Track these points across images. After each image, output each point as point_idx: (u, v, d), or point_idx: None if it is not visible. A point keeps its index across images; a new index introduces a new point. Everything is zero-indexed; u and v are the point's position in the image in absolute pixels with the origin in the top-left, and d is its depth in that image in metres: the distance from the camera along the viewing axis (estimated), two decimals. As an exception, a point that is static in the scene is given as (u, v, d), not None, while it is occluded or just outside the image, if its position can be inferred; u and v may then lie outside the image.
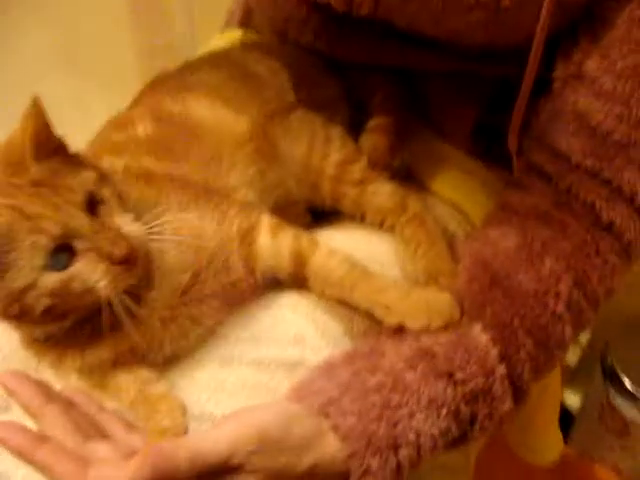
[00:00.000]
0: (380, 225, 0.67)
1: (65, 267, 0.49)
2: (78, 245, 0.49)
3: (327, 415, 0.51)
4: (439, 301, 0.58)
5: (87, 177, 0.51)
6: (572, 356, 1.36)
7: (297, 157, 0.65)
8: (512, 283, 0.59)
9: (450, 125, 0.73)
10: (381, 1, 0.59)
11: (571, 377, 1.40)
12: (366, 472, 0.50)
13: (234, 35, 0.89)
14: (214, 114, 0.64)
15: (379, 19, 0.61)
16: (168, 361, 0.58)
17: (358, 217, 0.67)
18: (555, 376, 0.92)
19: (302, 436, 0.50)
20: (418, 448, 0.52)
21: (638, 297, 1.28)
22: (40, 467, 0.47)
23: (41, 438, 0.48)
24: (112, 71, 1.38)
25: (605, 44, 0.57)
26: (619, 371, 1.22)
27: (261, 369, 0.57)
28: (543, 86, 0.62)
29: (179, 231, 0.54)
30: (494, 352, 0.56)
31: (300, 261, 0.58)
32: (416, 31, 0.62)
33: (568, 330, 0.59)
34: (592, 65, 0.58)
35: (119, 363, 0.56)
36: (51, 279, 0.48)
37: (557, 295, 0.58)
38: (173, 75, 0.72)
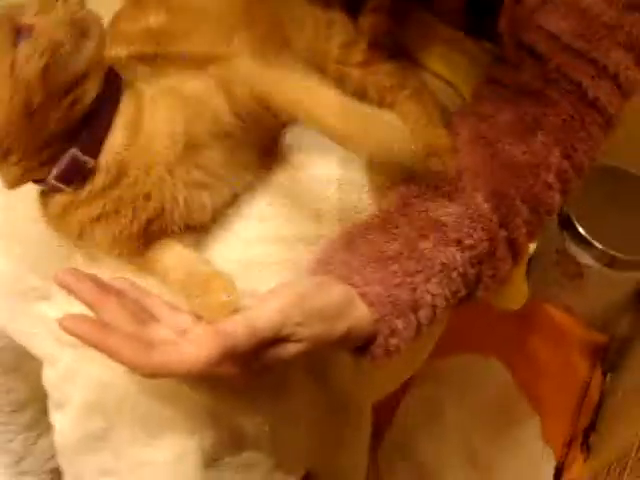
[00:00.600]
0: (380, 103, 0.69)
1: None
2: None
3: (354, 284, 0.56)
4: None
5: None
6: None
7: (303, 41, 0.66)
8: (508, 156, 0.63)
9: (442, 3, 0.74)
10: None
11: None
12: (392, 332, 0.57)
13: None
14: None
15: None
16: (195, 239, 0.61)
17: (359, 96, 0.69)
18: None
19: (336, 305, 0.55)
20: (434, 308, 0.58)
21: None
22: (109, 353, 0.51)
23: (106, 327, 0.52)
24: None
25: None
26: (574, 219, 1.31)
27: (284, 245, 0.62)
28: None
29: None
30: (495, 219, 0.61)
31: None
32: None
33: (557, 197, 0.65)
34: None
35: (152, 239, 0.58)
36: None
37: (548, 166, 0.64)
38: None
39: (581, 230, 1.30)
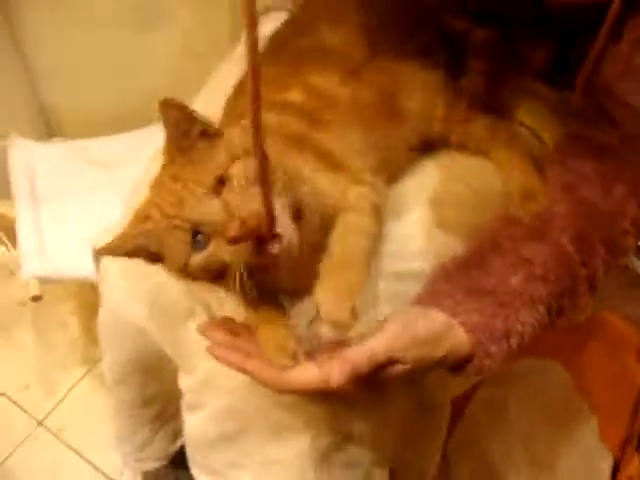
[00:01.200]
0: (478, 152, 0.79)
1: (205, 246, 0.58)
2: (206, 230, 0.58)
3: (455, 314, 0.66)
4: None
5: (219, 162, 0.59)
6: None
7: (414, 105, 0.76)
8: (591, 203, 0.72)
9: (533, 62, 0.83)
10: None
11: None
12: (488, 355, 0.66)
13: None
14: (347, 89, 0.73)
15: None
16: None
17: (460, 147, 0.79)
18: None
19: (437, 332, 0.65)
20: (522, 335, 0.68)
21: None
22: (248, 374, 0.62)
23: (247, 353, 0.63)
24: None
25: None
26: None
27: (399, 279, 0.72)
28: (619, 32, 0.72)
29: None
30: (577, 259, 0.70)
31: None
32: None
33: (631, 241, 0.74)
34: None
35: None
36: (197, 259, 0.59)
37: (625, 214, 0.73)
38: (295, 32, 0.80)
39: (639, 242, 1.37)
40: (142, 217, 0.60)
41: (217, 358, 0.64)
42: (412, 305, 0.69)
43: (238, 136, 0.61)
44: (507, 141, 0.79)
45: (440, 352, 0.65)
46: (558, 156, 0.78)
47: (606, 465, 1.34)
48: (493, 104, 0.80)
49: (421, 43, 0.78)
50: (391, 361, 0.62)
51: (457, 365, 0.68)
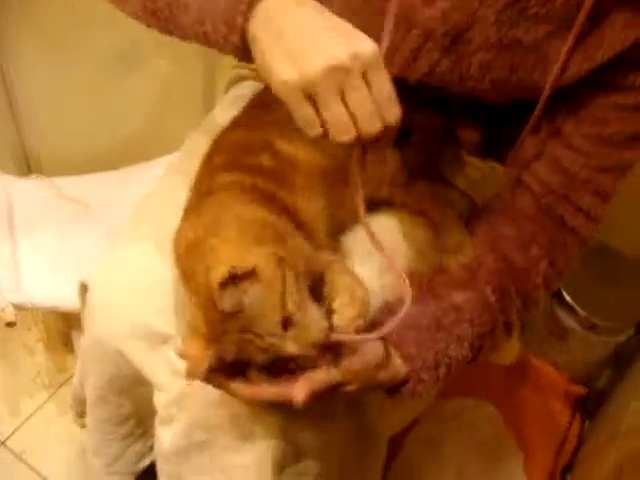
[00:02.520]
0: (416, 212, 0.92)
1: None
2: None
3: (397, 346, 0.78)
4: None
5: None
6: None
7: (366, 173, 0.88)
8: (511, 261, 0.85)
9: (468, 140, 0.98)
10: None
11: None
12: (420, 381, 0.78)
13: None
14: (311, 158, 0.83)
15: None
16: None
17: (402, 208, 0.93)
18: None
19: (383, 357, 0.75)
20: (449, 367, 0.80)
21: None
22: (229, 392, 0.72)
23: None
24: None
25: (580, 115, 0.81)
26: (562, 288, 1.54)
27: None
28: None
29: None
30: (497, 307, 0.83)
31: None
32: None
33: (541, 293, 0.87)
34: (568, 126, 0.82)
35: None
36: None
37: (538, 272, 0.86)
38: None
39: (568, 298, 1.53)
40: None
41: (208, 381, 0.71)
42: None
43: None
44: (443, 203, 0.92)
45: (382, 377, 0.76)
46: (485, 217, 0.91)
47: (530, 498, 1.47)
48: (432, 171, 0.94)
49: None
50: (343, 382, 0.73)
51: (393, 388, 0.79)
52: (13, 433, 1.53)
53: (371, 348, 0.76)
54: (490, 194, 0.94)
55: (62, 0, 1.47)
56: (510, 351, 1.31)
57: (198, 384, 0.78)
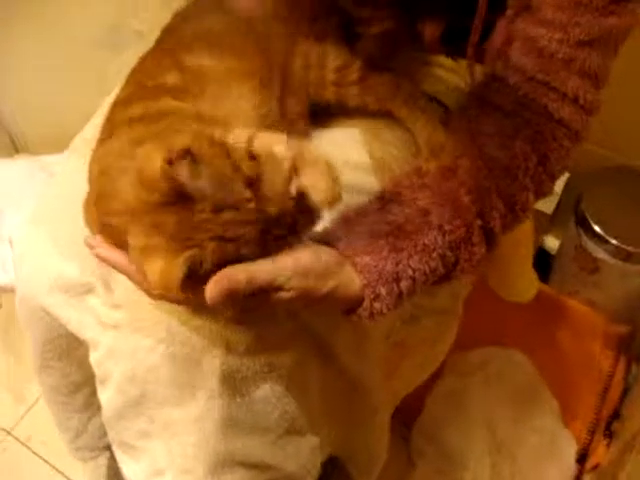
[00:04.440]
0: (380, 111, 0.80)
1: None
2: None
3: (348, 254, 0.66)
4: None
5: None
6: (550, 205, 1.50)
7: (297, 75, 0.77)
8: (491, 158, 0.73)
9: (427, 35, 0.85)
10: None
11: (550, 224, 1.57)
12: (376, 297, 0.66)
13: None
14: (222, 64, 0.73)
15: None
16: None
17: (361, 109, 0.80)
18: (527, 229, 1.08)
19: (327, 265, 0.64)
20: (414, 280, 0.68)
21: (607, 152, 1.43)
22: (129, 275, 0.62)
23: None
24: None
25: None
26: (589, 218, 1.39)
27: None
28: (501, 5, 0.75)
29: None
30: (473, 209, 0.71)
31: None
32: None
33: (531, 197, 0.74)
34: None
35: None
36: None
37: (526, 169, 0.73)
38: (184, 22, 0.82)
39: (596, 227, 1.38)
40: None
41: (101, 258, 0.63)
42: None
43: None
44: (408, 98, 0.80)
45: (327, 287, 0.64)
46: (462, 116, 0.79)
47: (572, 451, 1.33)
48: (389, 69, 0.81)
49: (308, 14, 0.79)
50: (273, 287, 0.61)
51: (349, 307, 0.68)
52: (19, 421, 1.49)
53: (313, 252, 0.64)
54: (463, 98, 0.82)
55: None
56: (526, 284, 1.17)
57: (126, 333, 0.69)
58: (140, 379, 0.72)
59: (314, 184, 0.59)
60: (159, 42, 0.81)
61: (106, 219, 0.62)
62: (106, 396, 0.77)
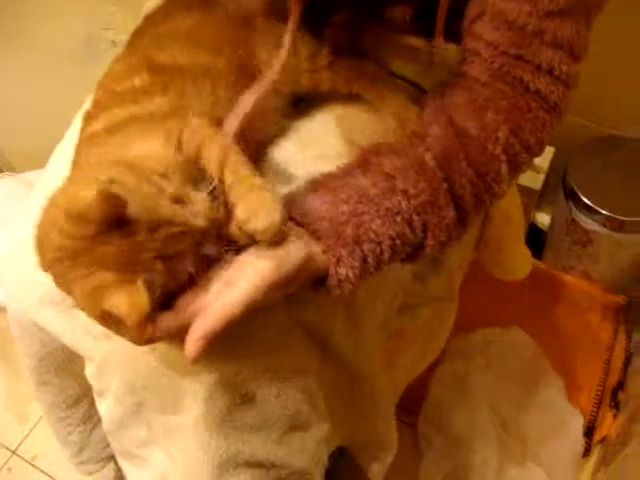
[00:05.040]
0: (350, 93, 0.80)
1: None
2: None
3: (306, 223, 0.66)
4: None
5: None
6: (538, 182, 1.50)
7: (276, 65, 0.76)
8: (461, 128, 0.72)
9: (395, 16, 0.84)
10: None
11: (539, 200, 1.56)
12: (339, 260, 0.65)
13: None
14: (194, 59, 0.73)
15: None
16: None
17: (332, 92, 0.80)
18: (516, 204, 1.08)
19: (298, 268, 0.63)
20: (379, 244, 0.67)
21: (590, 123, 1.43)
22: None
23: None
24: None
25: None
26: (577, 190, 1.38)
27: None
28: None
29: None
30: (440, 174, 0.70)
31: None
32: None
33: (504, 168, 0.73)
34: None
35: None
36: None
37: (496, 140, 0.72)
38: (152, 24, 0.82)
39: (585, 199, 1.37)
40: None
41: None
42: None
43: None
44: (375, 77, 0.80)
45: (300, 279, 0.64)
46: (435, 91, 0.78)
47: (578, 425, 1.33)
48: (359, 52, 0.81)
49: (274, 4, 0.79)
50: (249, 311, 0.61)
51: (318, 280, 0.67)
52: (23, 440, 1.48)
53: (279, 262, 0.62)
54: (439, 77, 0.81)
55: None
56: (520, 260, 1.16)
57: (120, 343, 0.68)
58: (137, 387, 0.71)
59: (250, 213, 0.60)
60: (128, 45, 0.80)
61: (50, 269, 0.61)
62: (105, 407, 0.77)
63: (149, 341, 0.58)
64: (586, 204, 1.37)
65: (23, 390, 1.54)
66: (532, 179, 1.47)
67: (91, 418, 0.94)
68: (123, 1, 1.50)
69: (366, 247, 0.66)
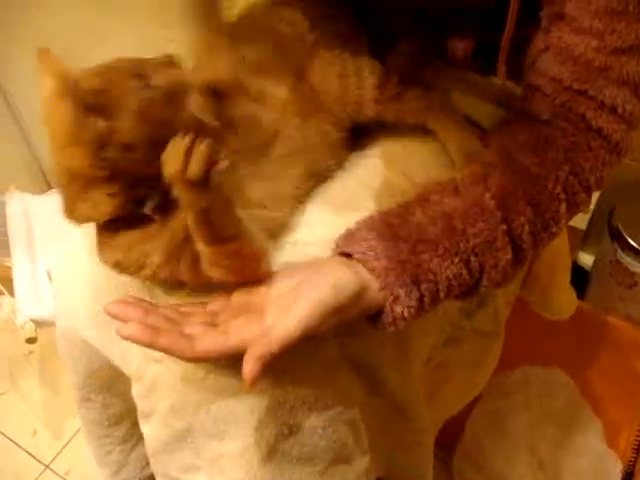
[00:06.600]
0: (417, 124, 0.80)
1: None
2: None
3: (365, 260, 0.66)
4: None
5: None
6: (583, 221, 1.49)
7: (331, 94, 0.77)
8: (520, 166, 0.72)
9: (454, 52, 0.85)
10: None
11: (583, 240, 1.55)
12: (395, 299, 0.65)
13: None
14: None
15: None
16: None
17: (400, 124, 0.81)
18: (563, 244, 1.07)
19: (351, 298, 0.63)
20: (436, 284, 0.67)
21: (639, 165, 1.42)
22: (162, 350, 0.62)
23: (157, 330, 0.62)
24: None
25: None
26: (624, 231, 1.37)
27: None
28: (535, 17, 0.74)
29: None
30: (499, 214, 0.69)
31: None
32: None
33: (563, 207, 0.73)
34: (571, 6, 0.70)
35: None
36: None
37: (556, 179, 0.72)
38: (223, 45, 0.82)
39: (631, 241, 1.36)
40: None
41: (126, 337, 0.62)
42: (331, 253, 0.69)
43: None
44: (442, 107, 0.80)
45: (355, 312, 0.65)
46: (495, 129, 0.78)
47: (617, 470, 1.30)
48: (420, 83, 0.81)
49: (342, 30, 0.80)
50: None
51: (372, 315, 0.67)
52: (57, 455, 1.49)
53: (327, 285, 0.63)
54: (499, 114, 0.81)
55: (63, 21, 1.46)
56: (566, 299, 1.15)
57: (170, 366, 0.69)
58: (186, 412, 0.71)
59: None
60: None
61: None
62: (150, 429, 0.77)
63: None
64: (632, 246, 1.36)
65: (60, 405, 1.56)
66: (577, 218, 1.45)
67: (132, 437, 0.94)
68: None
69: (424, 287, 0.66)
